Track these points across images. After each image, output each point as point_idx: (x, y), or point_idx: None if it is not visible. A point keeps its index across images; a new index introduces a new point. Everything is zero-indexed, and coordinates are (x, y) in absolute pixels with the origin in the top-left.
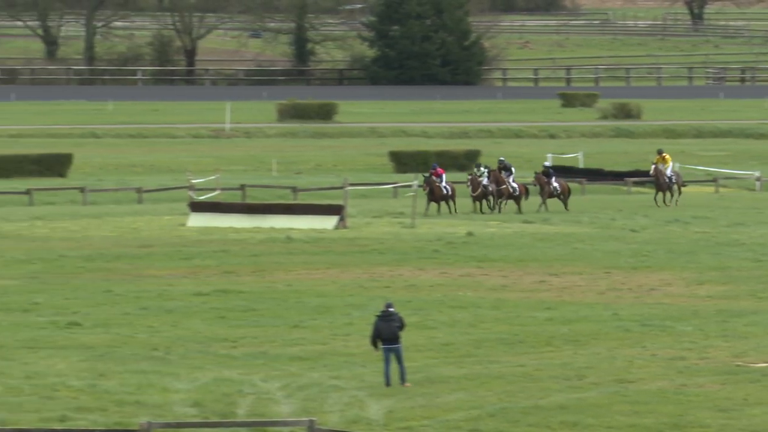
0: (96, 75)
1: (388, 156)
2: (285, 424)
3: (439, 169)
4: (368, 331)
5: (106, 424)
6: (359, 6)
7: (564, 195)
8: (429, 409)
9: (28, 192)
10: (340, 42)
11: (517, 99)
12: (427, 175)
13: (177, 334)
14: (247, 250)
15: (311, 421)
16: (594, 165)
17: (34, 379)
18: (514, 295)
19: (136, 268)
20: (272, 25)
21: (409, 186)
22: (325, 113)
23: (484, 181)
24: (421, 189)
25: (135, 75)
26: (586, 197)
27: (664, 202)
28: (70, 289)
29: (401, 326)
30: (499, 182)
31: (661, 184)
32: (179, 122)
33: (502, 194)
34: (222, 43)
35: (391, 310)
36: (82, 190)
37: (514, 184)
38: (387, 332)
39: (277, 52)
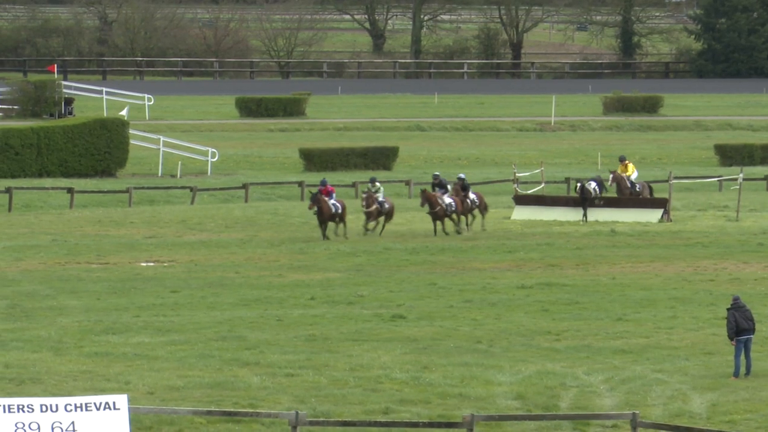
0: (422, 68)
1: (713, 149)
2: (608, 417)
3: (328, 186)
4: (692, 324)
5: (429, 416)
6: None
7: (482, 209)
8: (752, 402)
9: (354, 185)
10: (666, 35)
11: None
12: (314, 192)
13: (500, 327)
14: (571, 243)
15: (634, 414)
16: None
17: (358, 371)
18: None
19: (460, 261)
20: (598, 18)
21: (735, 179)
22: (651, 106)
23: (380, 197)
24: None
25: (461, 68)
26: None
27: None
28: (395, 281)
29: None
30: (432, 203)
31: (622, 190)
32: (504, 115)
33: (438, 216)
34: (548, 36)
35: (741, 302)
36: (407, 183)
37: (449, 200)
38: (745, 322)
39: (603, 45)
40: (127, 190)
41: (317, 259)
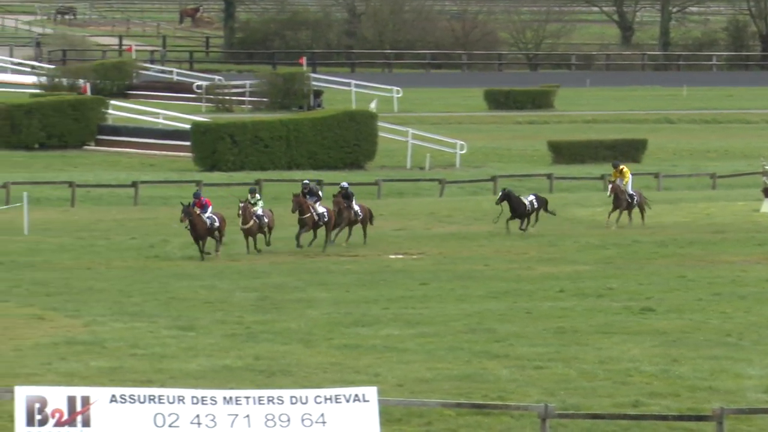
0: (670, 61)
1: None
2: None
3: (203, 199)
4: None
5: (678, 409)
6: None
7: (366, 220)
8: None
9: (602, 177)
10: None
11: None
12: (186, 204)
13: (750, 320)
14: None
15: None
16: None
17: (607, 364)
18: None
19: (709, 253)
20: None
21: None
22: None
23: (259, 210)
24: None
25: (710, 60)
26: None
27: (616, 220)
28: (644, 274)
29: None
30: (303, 209)
31: (620, 201)
32: (754, 107)
33: (306, 223)
34: None
35: None
36: (656, 175)
37: (322, 209)
38: None
39: None
40: (376, 183)
41: (566, 251)
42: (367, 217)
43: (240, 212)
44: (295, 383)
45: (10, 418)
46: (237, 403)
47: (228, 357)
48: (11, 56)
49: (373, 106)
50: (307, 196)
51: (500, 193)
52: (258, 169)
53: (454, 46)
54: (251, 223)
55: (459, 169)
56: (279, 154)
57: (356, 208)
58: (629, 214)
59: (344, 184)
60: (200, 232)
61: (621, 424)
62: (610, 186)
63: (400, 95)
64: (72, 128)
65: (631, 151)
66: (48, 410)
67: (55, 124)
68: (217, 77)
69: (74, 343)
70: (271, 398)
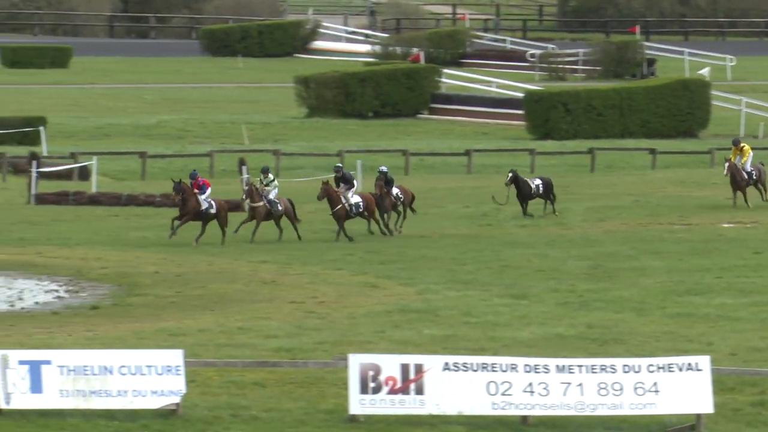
0: None
1: None
2: None
3: (200, 179)
4: None
5: None
6: None
7: (408, 203)
8: None
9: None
10: None
11: None
12: (177, 180)
13: None
14: None
15: None
16: None
17: None
18: None
19: None
20: None
21: None
22: None
23: (272, 194)
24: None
25: None
26: None
27: (745, 201)
28: None
29: None
30: (333, 200)
31: (738, 182)
32: None
33: (339, 216)
34: None
35: None
36: None
37: (356, 198)
38: None
39: None
40: (709, 151)
41: None
42: (409, 200)
43: (243, 196)
44: (628, 352)
45: (345, 385)
46: (570, 372)
47: (560, 325)
48: (346, 25)
49: (705, 73)
50: (340, 184)
51: (509, 175)
52: (591, 137)
53: None
54: (261, 203)
55: None
56: (612, 122)
57: (396, 191)
58: (758, 189)
59: (383, 168)
60: (188, 209)
61: None
62: (726, 165)
63: (733, 63)
64: (406, 97)
65: None
66: (381, 378)
67: (389, 93)
68: (550, 45)
69: (407, 310)
70: (603, 366)
